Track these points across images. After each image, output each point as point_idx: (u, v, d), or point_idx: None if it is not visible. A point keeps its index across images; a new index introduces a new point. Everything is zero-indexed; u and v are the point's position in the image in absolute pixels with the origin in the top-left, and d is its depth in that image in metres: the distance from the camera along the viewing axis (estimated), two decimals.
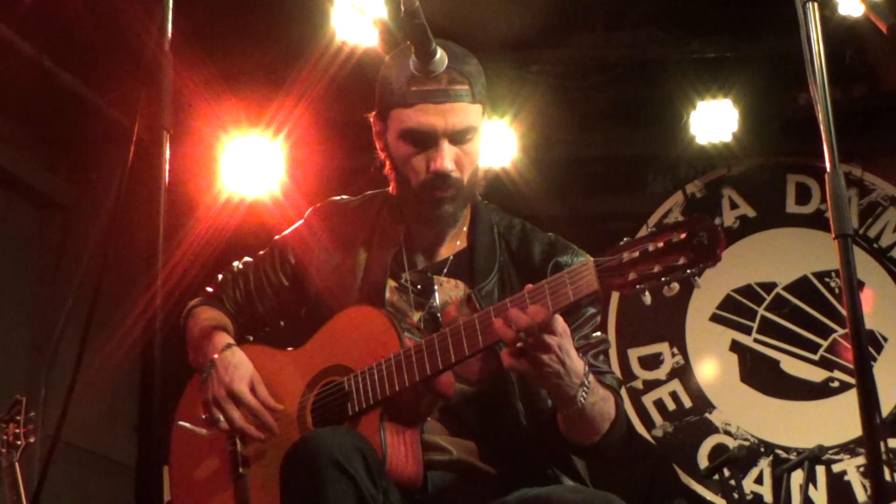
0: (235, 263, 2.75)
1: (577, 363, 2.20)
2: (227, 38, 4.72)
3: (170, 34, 1.86)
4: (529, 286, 2.19)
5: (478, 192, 2.57)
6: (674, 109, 5.14)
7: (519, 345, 2.14)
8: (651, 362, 5.39)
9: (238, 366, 2.49)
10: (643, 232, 2.11)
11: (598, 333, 2.47)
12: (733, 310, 5.39)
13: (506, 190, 5.03)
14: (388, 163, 2.52)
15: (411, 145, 2.42)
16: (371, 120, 2.54)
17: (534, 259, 2.49)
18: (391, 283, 2.50)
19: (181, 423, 2.56)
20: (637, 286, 2.05)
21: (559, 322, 2.16)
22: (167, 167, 1.82)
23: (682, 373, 5.37)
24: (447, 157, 2.39)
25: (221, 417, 2.45)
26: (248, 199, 4.90)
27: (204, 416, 2.49)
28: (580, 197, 5.66)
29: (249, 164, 4.88)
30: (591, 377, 2.24)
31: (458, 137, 2.41)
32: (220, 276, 2.75)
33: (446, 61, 2.37)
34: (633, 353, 5.41)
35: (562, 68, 5.05)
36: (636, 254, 2.05)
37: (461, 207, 2.49)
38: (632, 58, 4.99)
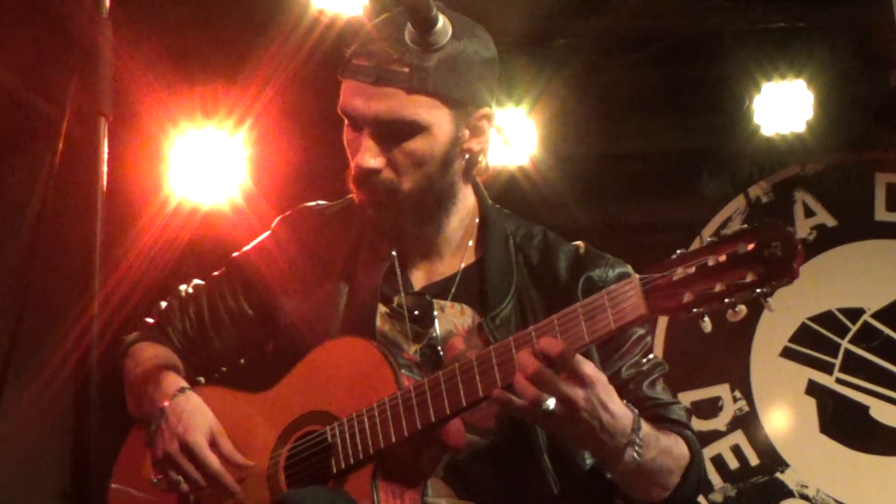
0: (183, 287, 2.76)
1: (621, 418, 2.19)
2: (178, 6, 4.74)
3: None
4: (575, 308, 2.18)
5: (487, 195, 2.59)
6: (733, 93, 5.14)
7: (549, 404, 2.13)
8: (707, 409, 5.38)
9: (194, 413, 2.49)
10: (697, 245, 2.11)
11: (651, 357, 2.48)
12: (810, 342, 5.38)
13: (523, 194, 5.03)
14: None
15: (348, 129, 2.48)
16: None
17: (559, 275, 2.50)
18: (382, 309, 2.51)
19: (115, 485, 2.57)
20: (694, 310, 2.05)
21: (586, 367, 2.15)
22: (105, 166, 1.82)
23: (747, 422, 5.36)
24: (365, 151, 2.41)
25: (180, 478, 2.45)
26: (203, 206, 4.90)
27: (155, 479, 2.49)
28: (616, 202, 5.66)
29: (204, 164, 4.89)
30: (643, 430, 2.23)
31: (387, 131, 2.41)
32: (165, 304, 2.76)
33: (450, 32, 2.38)
34: (685, 398, 5.36)
35: (593, 42, 5.06)
36: (692, 269, 2.06)
37: (402, 218, 2.49)
38: (680, 28, 4.99)
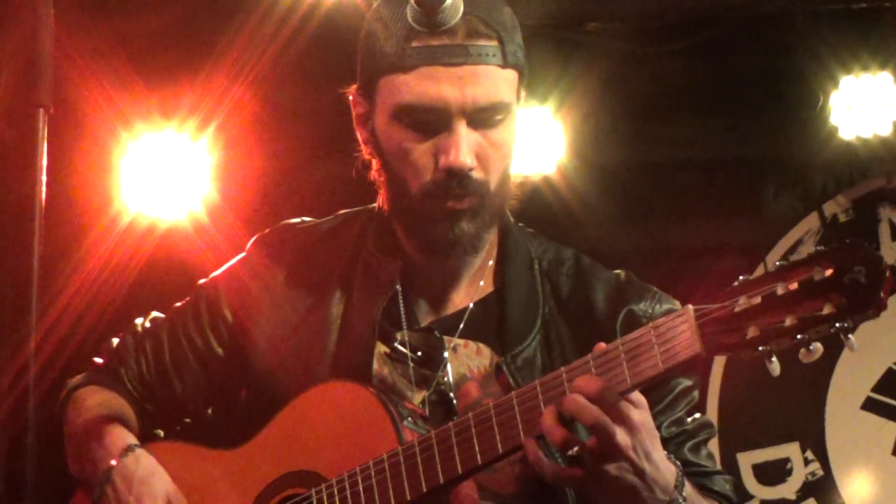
0: (139, 321, 2.77)
1: (664, 471, 2.22)
2: None
3: None
4: (602, 345, 2.19)
5: (508, 208, 2.58)
6: (804, 88, 5.17)
7: (575, 450, 2.14)
8: (774, 473, 5.39)
9: (146, 479, 2.50)
10: (761, 272, 2.12)
11: (697, 416, 2.49)
12: None
13: (549, 210, 5.05)
14: (375, 162, 2.54)
15: (411, 130, 2.42)
16: (351, 98, 2.55)
17: (595, 307, 2.51)
18: (381, 349, 2.51)
19: None
20: (760, 348, 2.06)
21: (633, 411, 2.17)
22: (45, 174, 1.82)
23: (822, 489, 5.37)
24: (465, 148, 2.38)
25: None
26: (162, 223, 4.92)
27: None
28: (661, 221, 5.68)
29: (162, 174, 4.91)
30: (687, 488, 2.26)
31: (483, 118, 2.40)
32: (116, 341, 2.76)
33: (461, 10, 2.38)
34: (746, 459, 5.41)
35: (632, 27, 5.08)
36: (758, 299, 2.07)
37: (486, 227, 2.48)
38: (740, 10, 5.01)
